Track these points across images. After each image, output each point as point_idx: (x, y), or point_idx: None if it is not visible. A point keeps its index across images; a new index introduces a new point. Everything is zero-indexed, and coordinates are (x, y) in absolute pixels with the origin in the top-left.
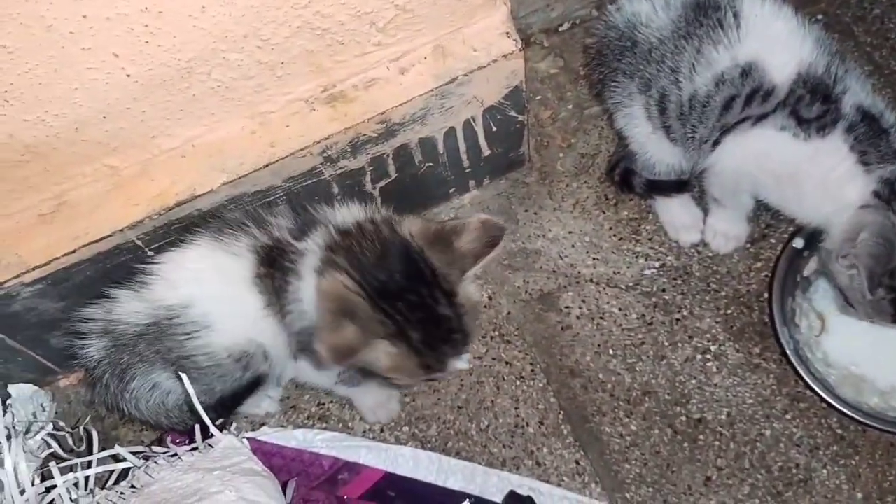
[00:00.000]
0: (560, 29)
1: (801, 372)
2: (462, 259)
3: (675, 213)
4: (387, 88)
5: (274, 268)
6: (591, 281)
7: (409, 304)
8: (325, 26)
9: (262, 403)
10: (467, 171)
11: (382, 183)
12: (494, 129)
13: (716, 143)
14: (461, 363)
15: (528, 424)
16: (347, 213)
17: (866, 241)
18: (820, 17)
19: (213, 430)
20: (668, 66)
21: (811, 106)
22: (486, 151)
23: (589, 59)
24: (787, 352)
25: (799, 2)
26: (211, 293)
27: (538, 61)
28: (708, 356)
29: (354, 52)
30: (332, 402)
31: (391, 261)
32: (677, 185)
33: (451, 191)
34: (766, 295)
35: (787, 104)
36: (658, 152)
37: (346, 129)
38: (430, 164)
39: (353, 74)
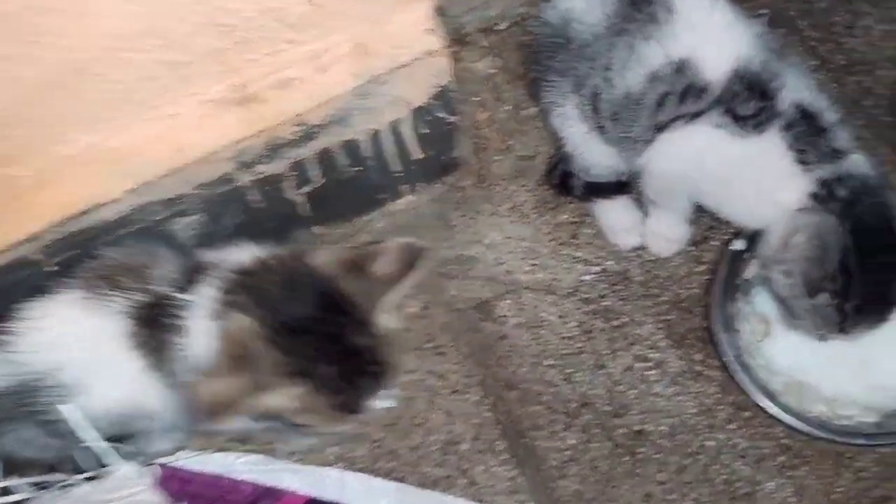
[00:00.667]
0: (498, 28)
1: (742, 381)
2: (379, 286)
3: (615, 215)
4: (303, 88)
5: (154, 326)
6: (529, 288)
7: (319, 337)
8: (230, 22)
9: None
10: (399, 175)
11: (306, 189)
12: (425, 131)
13: (651, 142)
14: (384, 400)
15: (461, 441)
16: (244, 253)
17: (801, 244)
18: (764, 11)
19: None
20: (601, 63)
21: (747, 103)
22: (418, 155)
23: (524, 57)
24: (727, 360)
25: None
26: (81, 357)
27: (475, 61)
28: (649, 364)
29: (266, 49)
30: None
31: (299, 293)
32: (616, 187)
33: (383, 196)
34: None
35: (723, 101)
36: (594, 153)
37: (261, 131)
38: (358, 168)
39: (267, 74)
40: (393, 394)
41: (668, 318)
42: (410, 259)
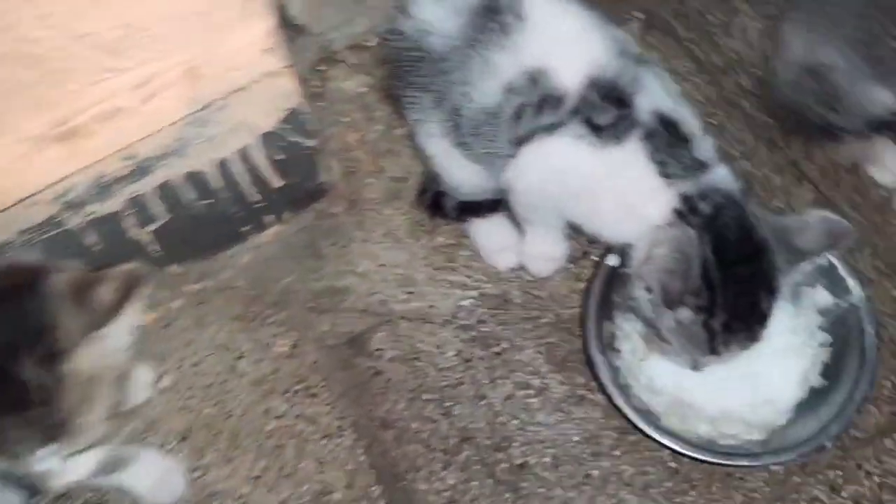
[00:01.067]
0: (367, 44)
1: (621, 404)
2: (97, 314)
3: (490, 235)
4: (131, 118)
5: None
6: (405, 318)
7: None
8: (38, 52)
9: None
10: (259, 206)
11: (152, 227)
12: (280, 157)
13: (513, 158)
14: (51, 460)
15: (334, 490)
16: None
17: (661, 256)
18: (638, 13)
19: None
20: (459, 77)
21: (605, 112)
22: (277, 183)
23: (387, 74)
24: (604, 382)
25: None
26: None
27: (343, 80)
28: (530, 392)
29: (86, 79)
30: None
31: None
32: (490, 206)
33: (245, 229)
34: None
35: (580, 111)
36: (461, 172)
37: (86, 168)
38: (208, 200)
39: (91, 105)
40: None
41: (550, 340)
42: (129, 288)
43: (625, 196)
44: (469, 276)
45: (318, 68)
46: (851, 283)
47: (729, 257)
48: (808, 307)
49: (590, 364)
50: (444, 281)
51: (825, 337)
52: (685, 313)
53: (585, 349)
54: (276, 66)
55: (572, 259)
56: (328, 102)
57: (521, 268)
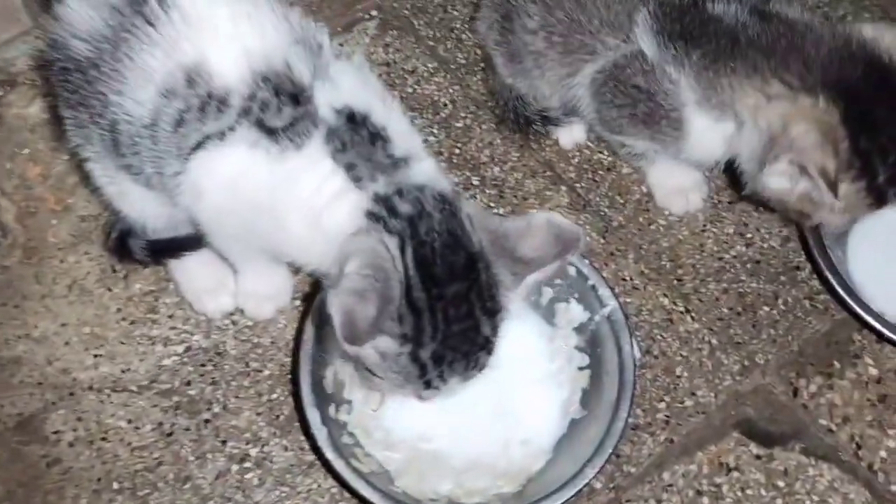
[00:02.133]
0: None
1: (339, 468)
2: None
3: (195, 276)
4: None
5: None
6: (92, 388)
7: None
8: None
9: None
10: None
11: None
12: None
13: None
14: None
15: None
16: None
17: (349, 275)
18: (375, 13)
19: None
20: (110, 85)
21: (279, 111)
22: None
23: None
24: (320, 444)
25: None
26: None
27: (25, 105)
28: (247, 465)
29: None
30: None
31: None
32: (190, 242)
33: None
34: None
35: (250, 112)
36: (134, 202)
37: None
38: None
39: None
40: None
41: (272, 397)
42: None
43: (311, 207)
44: (173, 329)
45: None
46: (604, 293)
47: (437, 273)
48: (564, 326)
49: (302, 423)
50: (142, 337)
51: (583, 358)
52: (385, 343)
53: (297, 405)
54: None
55: (303, 295)
56: (6, 132)
57: (239, 311)
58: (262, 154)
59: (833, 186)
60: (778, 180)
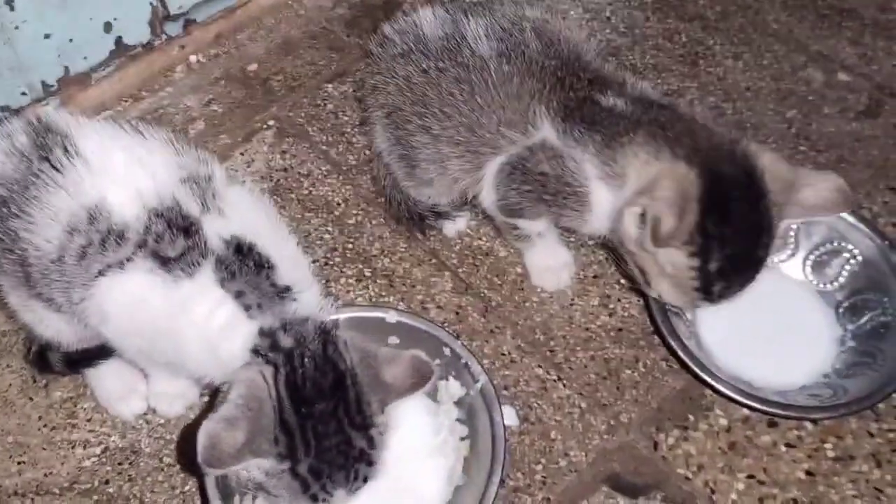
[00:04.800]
0: None
1: None
2: None
3: (108, 382)
4: None
5: None
6: (17, 493)
7: None
8: None
9: None
10: None
11: None
12: None
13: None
14: None
15: None
16: None
17: (227, 403)
18: (272, 122)
19: None
20: (19, 224)
21: (173, 242)
22: None
23: None
24: None
25: (250, 111)
26: None
27: None
28: None
29: None
30: None
31: None
32: (101, 352)
33: None
34: None
35: (146, 244)
36: (48, 324)
37: None
38: None
39: None
40: None
41: (185, 489)
42: None
43: (206, 335)
44: (92, 431)
45: None
46: (475, 369)
47: (305, 395)
48: (446, 401)
49: None
50: (62, 441)
51: (464, 429)
52: (267, 463)
53: (202, 498)
54: None
55: (211, 390)
56: None
57: (152, 411)
58: (158, 281)
59: (656, 236)
60: (629, 220)
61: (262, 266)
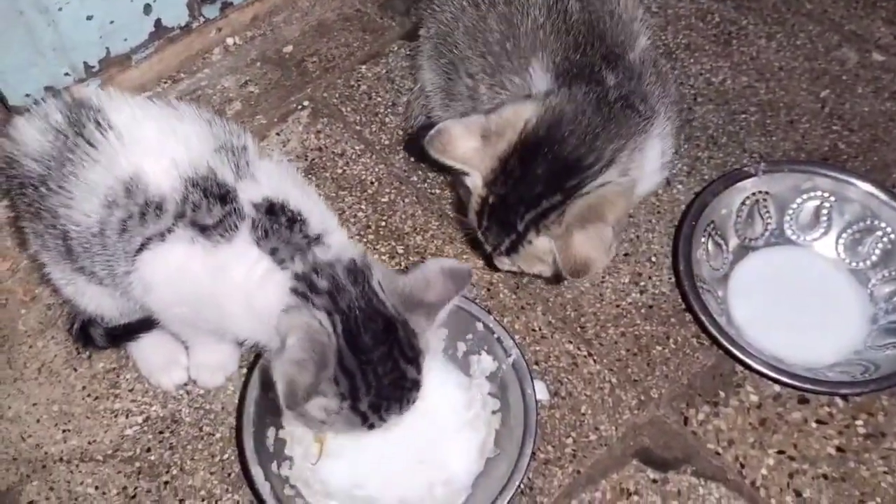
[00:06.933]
0: None
1: None
2: None
3: (150, 354)
4: None
5: None
6: (62, 460)
7: None
8: None
9: None
10: None
11: None
12: None
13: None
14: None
15: None
16: None
17: (290, 347)
18: (307, 103)
19: None
20: (59, 200)
21: (210, 210)
22: None
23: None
24: (263, 497)
25: (285, 92)
26: None
27: None
28: None
29: None
30: None
31: None
32: (143, 324)
33: None
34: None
35: (185, 214)
36: (91, 298)
37: None
38: None
39: None
40: None
41: (223, 457)
42: None
43: (246, 292)
44: (134, 401)
45: None
46: (508, 343)
47: (363, 342)
48: (478, 376)
49: (248, 481)
50: (105, 411)
51: (495, 403)
52: (326, 401)
53: (242, 463)
54: None
55: (248, 363)
56: None
57: (192, 382)
58: (198, 249)
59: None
60: None
61: (293, 221)
